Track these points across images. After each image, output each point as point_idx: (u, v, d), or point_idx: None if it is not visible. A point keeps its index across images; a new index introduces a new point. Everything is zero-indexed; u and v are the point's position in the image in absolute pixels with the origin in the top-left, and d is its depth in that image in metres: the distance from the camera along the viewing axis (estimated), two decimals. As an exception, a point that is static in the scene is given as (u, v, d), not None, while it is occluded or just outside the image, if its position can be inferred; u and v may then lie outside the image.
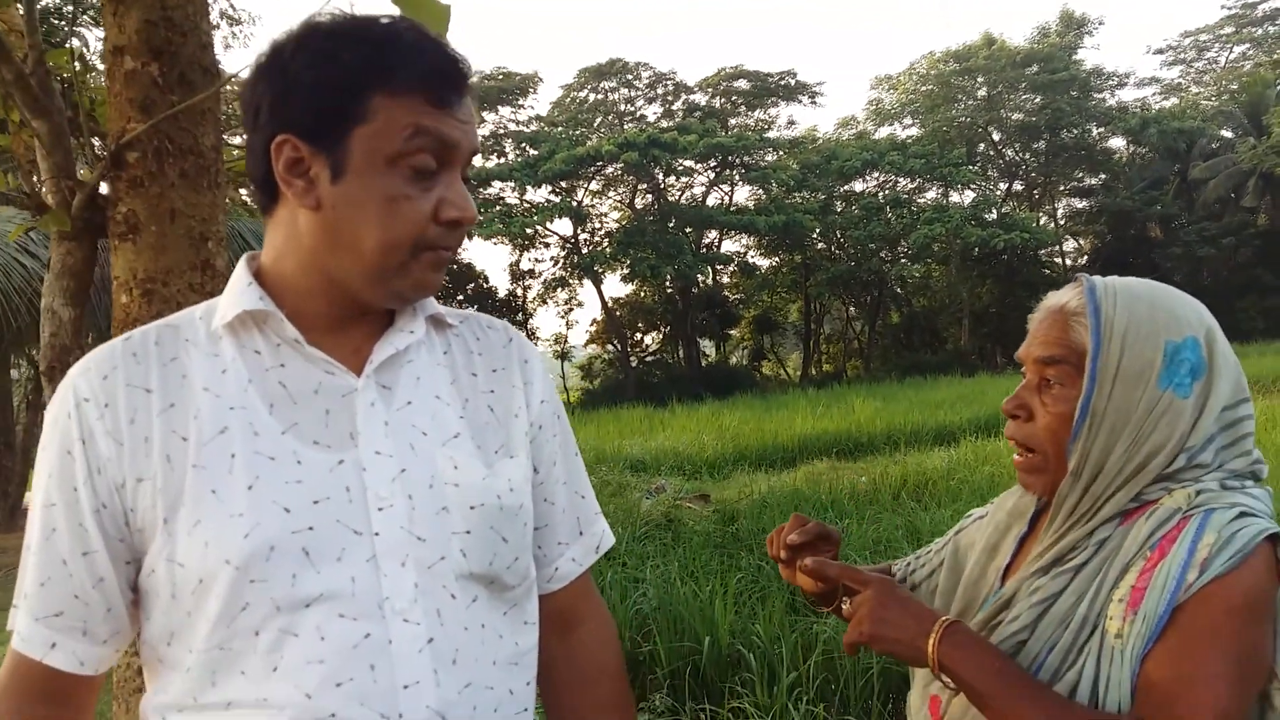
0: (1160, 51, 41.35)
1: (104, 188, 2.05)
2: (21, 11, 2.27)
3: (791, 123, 40.06)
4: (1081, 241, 43.07)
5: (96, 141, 2.47)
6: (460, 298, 35.39)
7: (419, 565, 0.94)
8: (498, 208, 31.09)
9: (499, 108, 34.93)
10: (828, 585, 1.23)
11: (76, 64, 2.53)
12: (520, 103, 35.33)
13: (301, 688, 0.89)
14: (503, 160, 33.20)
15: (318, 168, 0.93)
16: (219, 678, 0.90)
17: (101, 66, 2.44)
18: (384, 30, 0.94)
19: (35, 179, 2.30)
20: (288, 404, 0.96)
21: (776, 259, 37.26)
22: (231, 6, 13.73)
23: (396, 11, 1.98)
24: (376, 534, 0.92)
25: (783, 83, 36.93)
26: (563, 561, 1.15)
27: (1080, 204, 41.93)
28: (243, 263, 1.02)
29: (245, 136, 1.00)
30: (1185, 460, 1.05)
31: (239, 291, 0.99)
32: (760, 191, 34.59)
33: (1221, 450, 1.06)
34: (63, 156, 2.15)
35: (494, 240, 30.49)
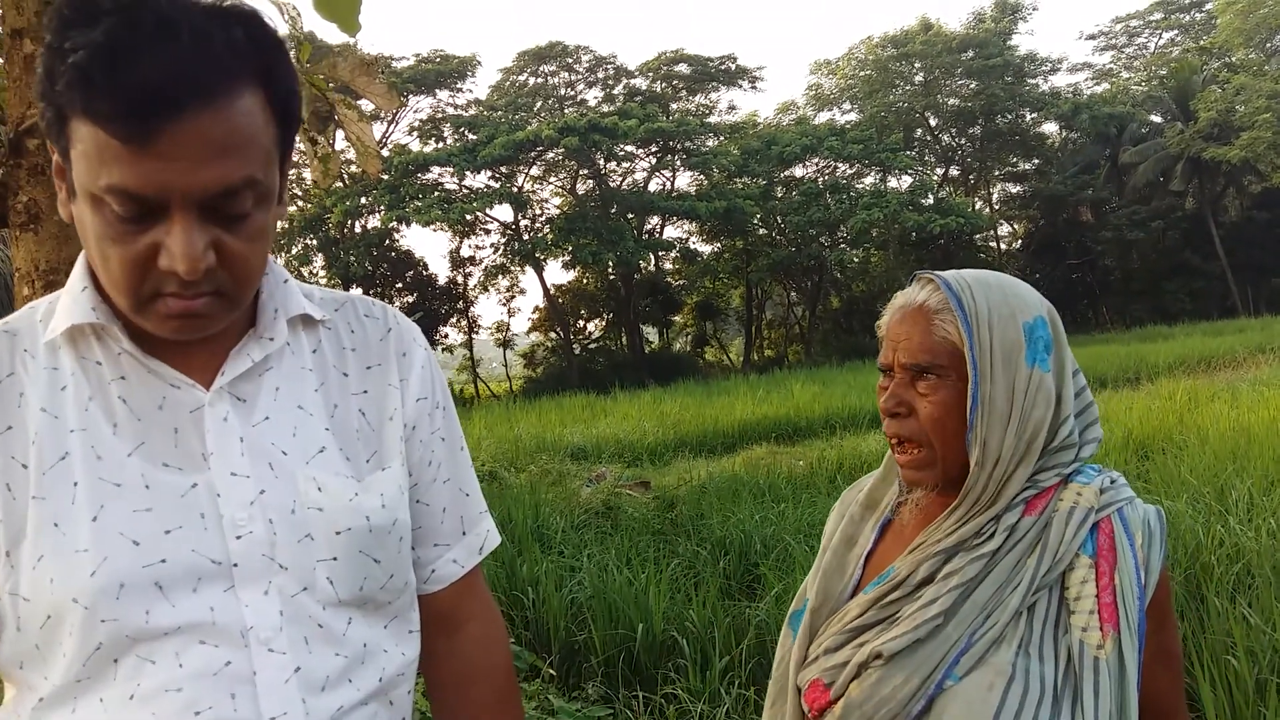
0: (1092, 37, 42.44)
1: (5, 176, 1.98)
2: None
3: (732, 108, 40.21)
4: (1015, 226, 44.01)
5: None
6: (399, 285, 34.95)
7: (283, 594, 0.88)
8: (436, 193, 30.71)
9: (436, 91, 34.48)
10: None
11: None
12: (458, 86, 34.91)
13: (159, 716, 0.84)
14: (441, 145, 32.79)
15: (67, 180, 0.83)
16: (78, 704, 0.86)
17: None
18: (111, 20, 0.75)
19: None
20: (131, 422, 0.87)
21: (718, 245, 37.45)
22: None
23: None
24: (235, 564, 0.86)
25: (723, 67, 37.02)
26: (441, 564, 1.08)
27: (1014, 189, 42.85)
28: (81, 262, 0.91)
29: None
30: (1064, 434, 1.11)
31: (73, 297, 0.89)
32: (701, 177, 34.71)
33: (1082, 427, 1.14)
34: (-44, 145, 2.07)
35: (433, 227, 30.10)
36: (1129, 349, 21.59)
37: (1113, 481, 1.11)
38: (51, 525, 0.84)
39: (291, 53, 2.23)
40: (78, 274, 0.91)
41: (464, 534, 1.10)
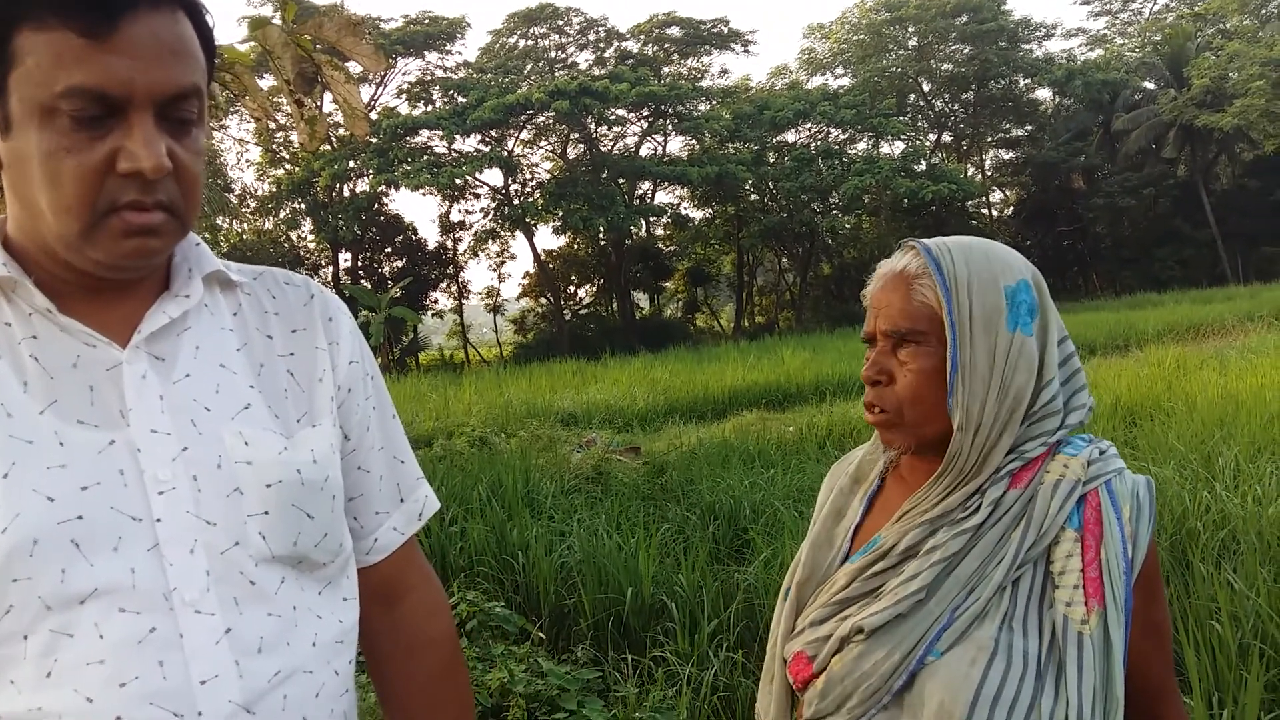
0: (1086, 2, 41.97)
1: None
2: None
3: (725, 72, 40.10)
4: (1007, 193, 43.95)
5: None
6: (389, 250, 34.76)
7: (210, 551, 0.86)
8: (425, 157, 30.43)
9: (425, 53, 34.08)
10: None
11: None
12: (447, 49, 34.52)
13: (81, 692, 0.80)
14: (430, 108, 32.46)
15: None
16: None
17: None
18: None
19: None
20: (44, 380, 0.85)
21: (710, 211, 37.31)
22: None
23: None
24: (158, 520, 0.84)
25: (715, 30, 36.71)
26: (383, 532, 1.07)
27: (1007, 155, 42.75)
28: None
29: None
30: (1045, 398, 1.10)
31: None
32: (693, 142, 34.47)
33: (1069, 394, 1.13)
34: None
35: (422, 191, 29.86)
36: (1119, 316, 21.68)
37: (1101, 453, 1.09)
38: None
39: (276, 14, 2.19)
40: None
41: (402, 500, 1.09)
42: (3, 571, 0.79)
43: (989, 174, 42.13)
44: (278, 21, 2.17)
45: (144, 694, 0.81)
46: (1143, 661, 1.08)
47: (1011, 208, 43.10)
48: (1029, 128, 40.57)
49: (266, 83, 7.75)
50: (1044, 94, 40.72)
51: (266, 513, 0.89)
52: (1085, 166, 38.58)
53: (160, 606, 0.83)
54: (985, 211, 41.04)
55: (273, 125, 27.19)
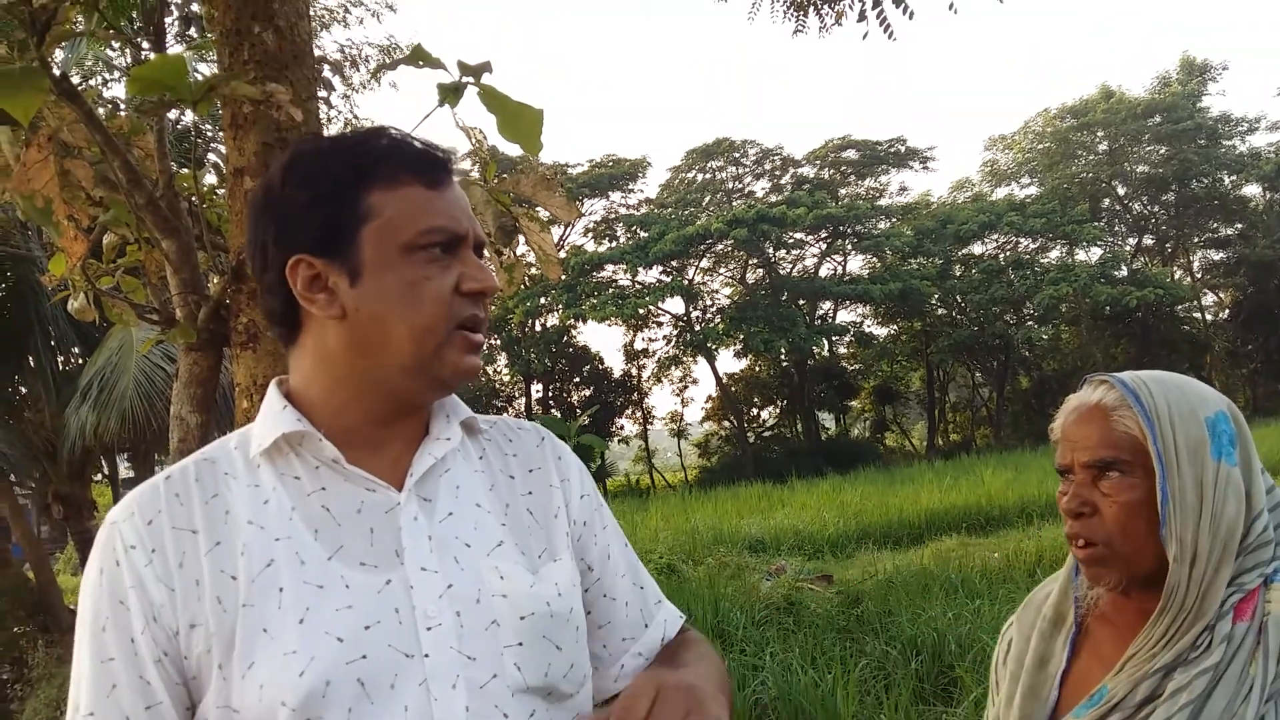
0: (1292, 93, 39.30)
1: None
2: (153, 138, 2.46)
3: (904, 189, 39.61)
4: (1221, 295, 40.87)
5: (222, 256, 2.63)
6: (577, 379, 35.95)
7: (470, 686, 0.91)
8: (610, 290, 31.65)
9: (609, 193, 35.80)
10: None
11: (203, 185, 2.72)
12: (630, 187, 36.13)
13: None
14: (614, 244, 33.90)
15: (335, 277, 0.95)
16: None
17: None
18: (362, 136, 0.98)
19: (165, 294, 2.46)
20: (332, 527, 0.94)
21: (895, 327, 36.62)
22: (355, 117, 14.58)
23: (490, 118, 2.07)
24: (426, 655, 0.90)
25: (892, 150, 36.74)
26: (628, 658, 1.11)
27: (1217, 256, 39.91)
28: (273, 387, 1.02)
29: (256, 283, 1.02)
30: (1259, 529, 1.07)
31: (274, 415, 0.98)
32: (874, 259, 34.21)
33: (1276, 525, 1.11)
34: (190, 273, 2.30)
35: (608, 322, 30.99)
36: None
37: None
38: (260, 631, 0.88)
39: (476, 171, 2.37)
40: (273, 396, 1.01)
41: (646, 626, 1.13)
42: (299, 714, 0.85)
43: (1198, 276, 39.39)
44: (477, 176, 2.35)
45: None
46: None
47: (1226, 310, 39.97)
48: (1239, 226, 37.85)
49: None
50: (1253, 190, 38.09)
51: (521, 644, 0.94)
52: (1307, 263, 35.45)
53: None
54: (1197, 315, 38.23)
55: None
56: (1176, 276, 36.60)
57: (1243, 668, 1.03)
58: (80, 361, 10.56)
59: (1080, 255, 34.18)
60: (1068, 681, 1.18)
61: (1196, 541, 1.05)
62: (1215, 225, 38.55)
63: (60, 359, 10.67)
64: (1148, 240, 39.24)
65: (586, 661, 1.03)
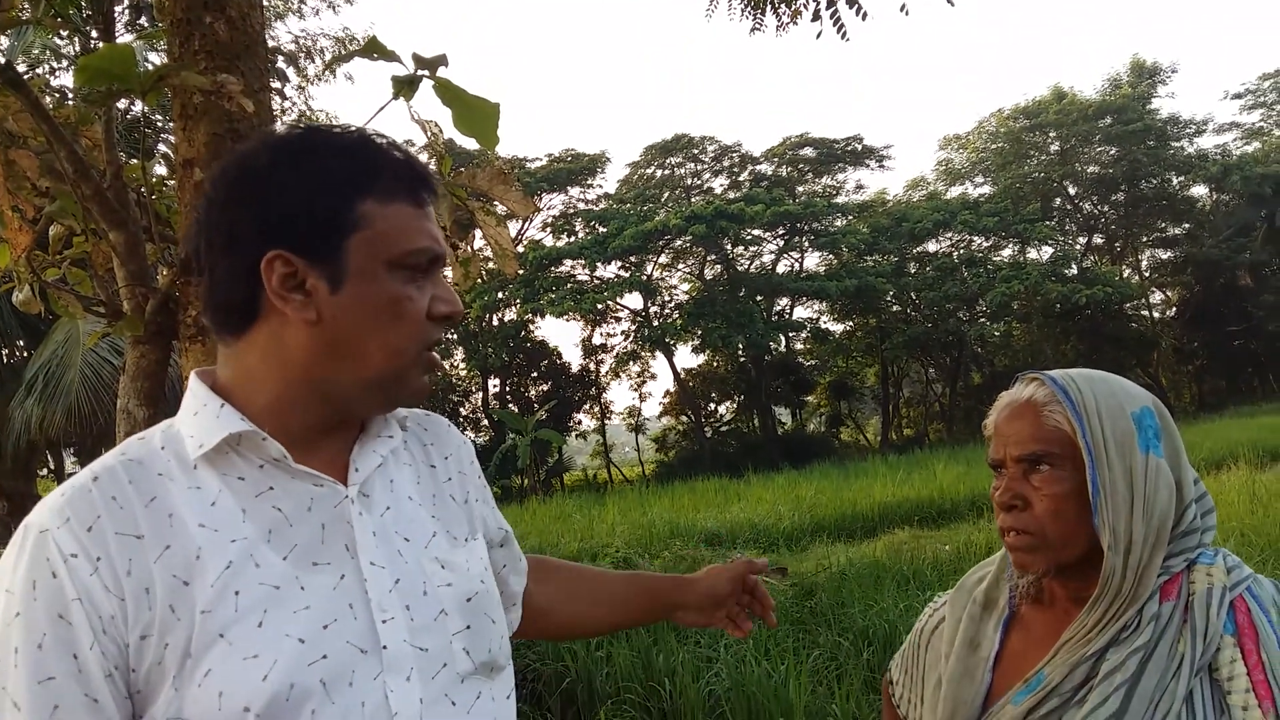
0: (1238, 96, 40.16)
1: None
2: (101, 128, 2.43)
3: (860, 187, 40.09)
4: (1169, 293, 41.80)
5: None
6: (534, 374, 35.80)
7: (423, 677, 0.92)
8: (568, 285, 31.56)
9: (568, 188, 35.69)
10: None
11: (152, 176, 2.68)
12: (589, 182, 36.05)
13: None
14: (572, 239, 33.81)
15: (314, 280, 0.92)
16: None
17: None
18: (359, 138, 0.97)
19: (112, 286, 2.42)
20: (284, 527, 0.92)
21: (850, 323, 36.94)
22: (309, 109, 14.38)
23: (445, 111, 2.07)
24: (384, 647, 0.90)
25: (849, 148, 37.05)
26: (520, 595, 1.28)
27: (1165, 255, 40.80)
28: (198, 382, 0.97)
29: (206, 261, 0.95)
30: (1189, 518, 1.13)
31: (214, 415, 0.93)
32: (831, 256, 34.49)
33: (1201, 512, 1.16)
34: (138, 265, 2.27)
35: (566, 317, 30.91)
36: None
37: (1233, 561, 1.13)
38: (217, 637, 0.85)
39: (432, 164, 2.37)
40: (203, 393, 0.96)
41: (520, 560, 1.28)
42: (263, 718, 0.83)
43: (1147, 275, 40.24)
44: (433, 169, 2.35)
45: None
46: None
47: (1174, 309, 40.90)
48: (1187, 226, 38.74)
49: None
50: (1200, 190, 39.00)
51: (469, 627, 0.98)
52: (1251, 263, 36.34)
53: None
54: (1145, 314, 39.07)
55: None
56: (1125, 275, 37.34)
57: (1171, 644, 1.07)
58: (25, 354, 10.35)
59: (1032, 254, 34.76)
60: (1000, 664, 1.21)
61: (1131, 530, 1.09)
62: (1163, 225, 39.41)
63: (5, 352, 10.44)
64: (1098, 239, 40.01)
65: (506, 631, 1.09)
